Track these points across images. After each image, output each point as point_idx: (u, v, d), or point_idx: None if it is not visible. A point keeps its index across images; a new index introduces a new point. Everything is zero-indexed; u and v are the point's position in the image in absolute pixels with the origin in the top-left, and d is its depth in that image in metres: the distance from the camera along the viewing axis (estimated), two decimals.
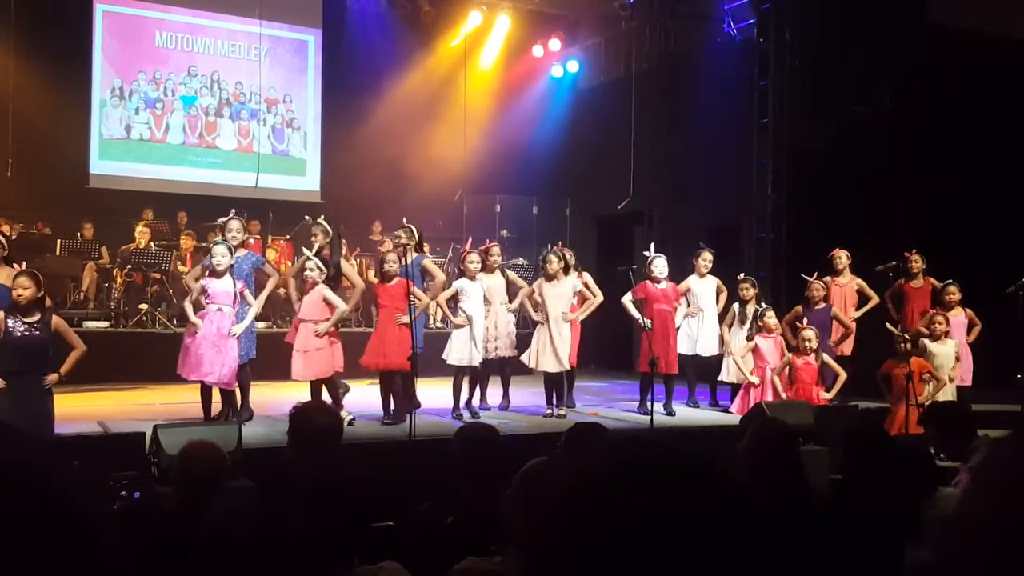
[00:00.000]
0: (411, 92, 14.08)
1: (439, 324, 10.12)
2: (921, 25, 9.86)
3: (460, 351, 7.69)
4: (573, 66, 14.36)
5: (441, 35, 14.46)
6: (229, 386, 6.89)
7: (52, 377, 5.52)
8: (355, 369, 7.61)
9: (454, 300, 7.87)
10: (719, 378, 8.71)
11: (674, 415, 8.10)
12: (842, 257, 8.64)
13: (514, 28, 14.39)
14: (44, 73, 12.01)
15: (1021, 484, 0.80)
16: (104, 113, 13.39)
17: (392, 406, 7.27)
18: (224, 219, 7.41)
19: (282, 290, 10.71)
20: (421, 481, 4.07)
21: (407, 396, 7.19)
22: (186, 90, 13.87)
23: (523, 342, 8.24)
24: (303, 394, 6.90)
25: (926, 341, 7.63)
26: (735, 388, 8.46)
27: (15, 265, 5.73)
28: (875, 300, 8.59)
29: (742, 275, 8.78)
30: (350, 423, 6.85)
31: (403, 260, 7.47)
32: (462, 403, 7.83)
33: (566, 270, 7.92)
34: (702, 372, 8.86)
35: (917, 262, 8.58)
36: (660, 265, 8.22)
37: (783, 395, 7.70)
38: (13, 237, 9.96)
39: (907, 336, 7.41)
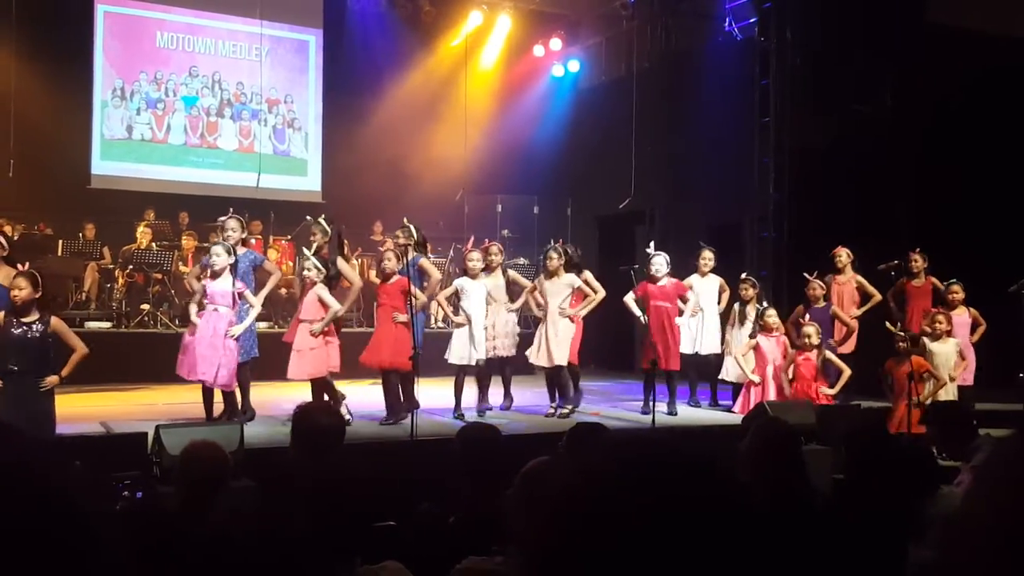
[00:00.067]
0: (412, 92, 14.08)
1: (440, 324, 10.12)
2: (922, 24, 9.85)
3: (460, 351, 7.71)
4: (574, 65, 14.35)
5: (442, 35, 14.46)
6: (228, 387, 6.88)
7: (51, 379, 5.50)
8: (355, 369, 7.61)
9: (455, 299, 7.89)
10: (719, 376, 8.72)
11: (676, 415, 8.10)
12: (843, 255, 8.63)
13: (515, 28, 14.38)
14: (45, 74, 12.02)
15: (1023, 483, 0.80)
16: (105, 114, 13.40)
17: (389, 405, 7.29)
18: (223, 218, 7.42)
19: (283, 290, 10.72)
20: (423, 481, 4.06)
21: (407, 396, 7.19)
22: (187, 90, 13.88)
23: (527, 341, 8.26)
24: (304, 394, 6.90)
25: (926, 340, 7.63)
26: (736, 387, 8.46)
27: (19, 266, 5.73)
28: (877, 298, 8.58)
29: (744, 274, 8.78)
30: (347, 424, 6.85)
31: (403, 260, 7.51)
32: (468, 404, 7.82)
33: (567, 267, 7.93)
34: (703, 371, 8.87)
35: (918, 261, 8.58)
36: (658, 263, 8.24)
37: (788, 393, 7.72)
38: (15, 238, 9.98)
39: (905, 335, 7.41)
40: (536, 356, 7.97)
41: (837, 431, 5.71)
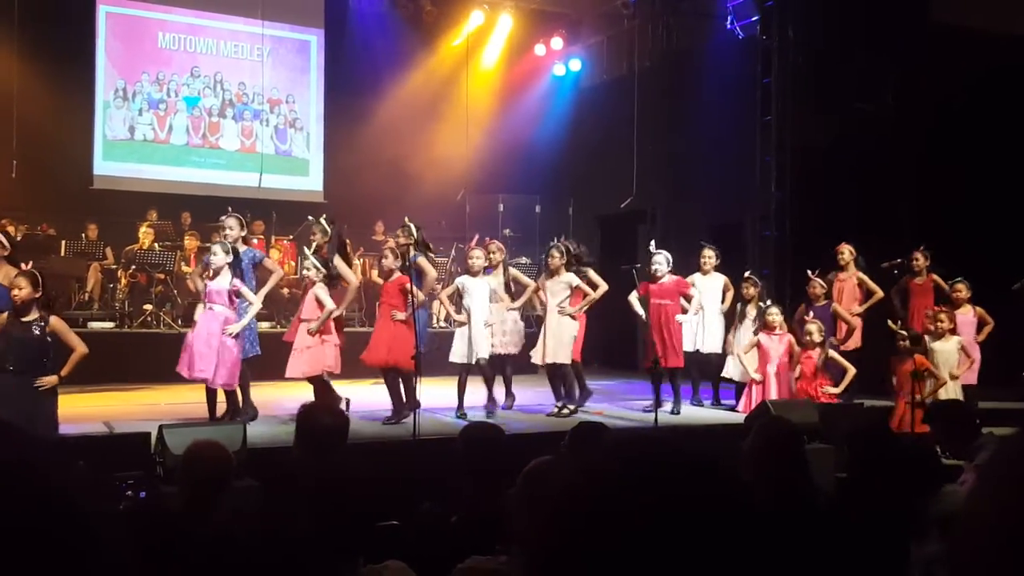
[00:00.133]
0: (413, 92, 14.08)
1: (442, 323, 10.12)
2: (924, 23, 9.85)
3: (460, 349, 7.72)
4: (575, 65, 14.35)
5: (443, 34, 14.46)
6: (228, 386, 6.88)
7: (50, 379, 5.47)
8: (356, 368, 7.61)
9: (457, 297, 7.89)
10: (722, 374, 8.71)
11: (679, 414, 8.08)
12: (846, 251, 8.62)
13: (516, 27, 14.38)
14: (48, 75, 12.03)
15: None
16: (108, 114, 13.41)
17: (393, 403, 7.30)
18: (223, 218, 7.44)
19: (285, 290, 10.73)
20: (425, 481, 4.06)
21: (408, 395, 7.19)
22: (189, 91, 13.89)
23: (532, 340, 8.26)
24: (306, 394, 6.90)
25: (928, 338, 7.62)
26: (739, 386, 8.46)
27: (22, 265, 5.74)
28: (879, 294, 8.56)
29: (747, 273, 8.78)
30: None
31: (404, 259, 7.52)
32: (471, 403, 7.81)
33: (570, 265, 7.92)
34: (705, 370, 8.86)
35: (920, 259, 8.57)
36: (658, 261, 8.25)
37: (795, 391, 7.74)
38: (18, 238, 9.98)
39: (907, 333, 7.40)
40: (537, 354, 8.00)
41: (840, 430, 5.69)
